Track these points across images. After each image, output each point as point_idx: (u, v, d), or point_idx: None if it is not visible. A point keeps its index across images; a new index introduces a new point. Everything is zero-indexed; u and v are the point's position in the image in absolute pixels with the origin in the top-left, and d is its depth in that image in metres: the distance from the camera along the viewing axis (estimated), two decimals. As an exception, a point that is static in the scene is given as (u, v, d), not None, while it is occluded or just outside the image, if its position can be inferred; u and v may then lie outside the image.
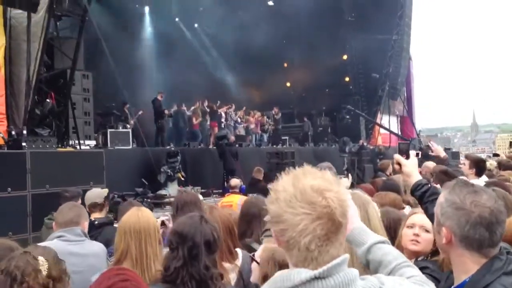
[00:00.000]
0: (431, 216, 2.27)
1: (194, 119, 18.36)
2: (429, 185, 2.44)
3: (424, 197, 2.40)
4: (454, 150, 32.57)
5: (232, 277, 2.81)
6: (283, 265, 2.33)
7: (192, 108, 18.51)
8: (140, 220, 2.75)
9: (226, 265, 2.84)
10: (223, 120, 19.47)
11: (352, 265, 1.68)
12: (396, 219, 2.54)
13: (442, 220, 1.71)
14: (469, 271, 1.66)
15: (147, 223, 2.76)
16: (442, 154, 5.61)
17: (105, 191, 4.64)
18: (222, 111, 19.78)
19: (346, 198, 1.36)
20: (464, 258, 1.68)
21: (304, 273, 1.29)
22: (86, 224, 3.41)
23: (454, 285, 1.69)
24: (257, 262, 2.34)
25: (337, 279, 1.30)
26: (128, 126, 14.52)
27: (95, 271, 2.60)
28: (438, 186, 3.58)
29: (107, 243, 3.46)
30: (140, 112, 16.00)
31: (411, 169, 2.48)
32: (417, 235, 2.65)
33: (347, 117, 26.25)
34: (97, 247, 3.35)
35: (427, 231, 2.63)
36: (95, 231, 4.08)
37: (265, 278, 2.40)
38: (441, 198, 1.76)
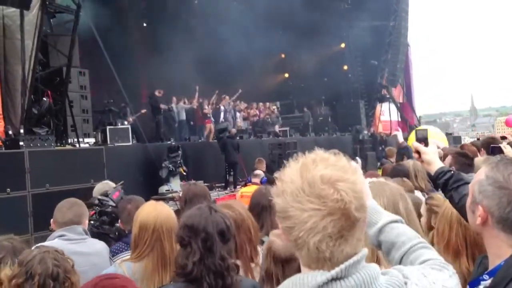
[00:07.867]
0: (456, 204, 2.16)
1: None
2: (452, 172, 2.27)
3: (448, 184, 2.23)
4: (455, 135, 32.52)
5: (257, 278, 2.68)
6: (281, 259, 2.19)
7: (200, 101, 18.44)
8: (159, 217, 2.61)
9: (252, 265, 2.72)
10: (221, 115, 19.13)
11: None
12: (417, 204, 2.43)
13: (479, 198, 1.57)
14: (503, 255, 1.54)
15: (167, 219, 2.62)
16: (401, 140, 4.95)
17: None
18: (222, 104, 19.51)
19: (362, 188, 1.20)
20: (499, 240, 1.55)
21: (320, 276, 1.15)
22: (87, 222, 3.29)
23: (489, 270, 1.57)
24: None
25: (358, 278, 1.16)
26: (126, 122, 14.35)
27: (98, 270, 2.53)
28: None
29: None
30: (143, 111, 15.93)
31: (431, 157, 2.32)
32: None
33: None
34: (100, 245, 3.24)
35: None
36: None
37: (268, 274, 2.25)
38: (480, 175, 1.61)
